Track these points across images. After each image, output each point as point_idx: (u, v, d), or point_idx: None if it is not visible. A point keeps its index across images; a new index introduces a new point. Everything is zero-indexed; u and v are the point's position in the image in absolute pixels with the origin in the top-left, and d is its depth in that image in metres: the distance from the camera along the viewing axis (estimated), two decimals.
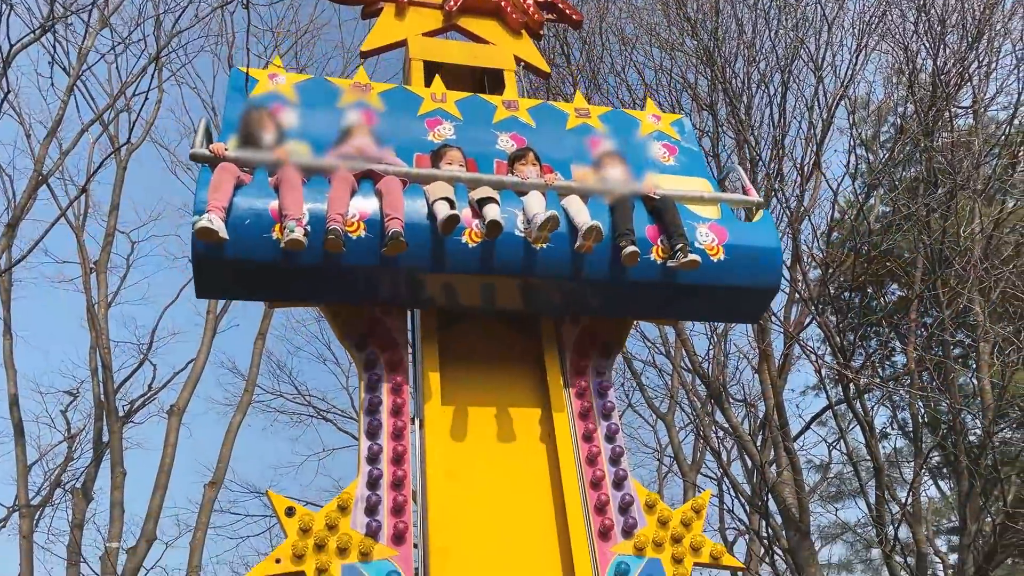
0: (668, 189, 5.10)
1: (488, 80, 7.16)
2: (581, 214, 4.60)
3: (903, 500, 12.46)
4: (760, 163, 13.35)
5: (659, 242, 4.73)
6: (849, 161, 14.11)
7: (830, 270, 13.03)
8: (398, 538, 4.33)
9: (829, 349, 12.88)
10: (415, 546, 4.46)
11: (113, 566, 13.67)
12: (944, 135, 12.45)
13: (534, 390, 5.06)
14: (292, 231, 4.18)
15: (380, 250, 4.37)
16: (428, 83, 6.87)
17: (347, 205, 4.41)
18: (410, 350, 5.07)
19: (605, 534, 4.55)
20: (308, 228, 4.27)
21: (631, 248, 4.51)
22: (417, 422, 4.81)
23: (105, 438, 15.20)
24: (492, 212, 4.48)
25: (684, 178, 5.59)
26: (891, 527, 11.72)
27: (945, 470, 17.50)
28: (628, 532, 4.58)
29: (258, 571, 4.35)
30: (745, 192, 5.32)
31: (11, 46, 12.19)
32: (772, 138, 13.44)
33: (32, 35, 13.09)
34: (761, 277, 4.86)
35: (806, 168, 13.41)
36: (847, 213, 14.21)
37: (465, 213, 4.54)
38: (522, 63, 7.43)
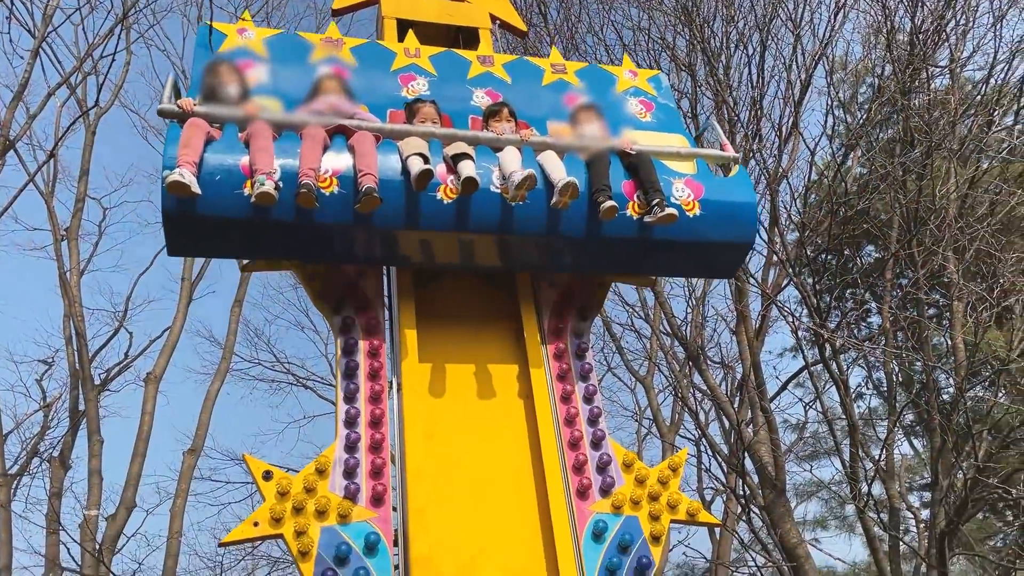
0: (644, 145, 5.08)
1: (463, 39, 7.03)
2: (557, 170, 4.57)
3: (877, 457, 12.67)
4: (739, 124, 13.31)
5: (635, 197, 4.72)
6: (827, 122, 14.11)
7: (807, 232, 13.07)
8: (377, 500, 4.32)
9: (806, 311, 12.97)
10: (394, 508, 4.43)
11: (93, 534, 13.64)
12: (921, 95, 12.45)
13: (512, 347, 5.07)
14: (262, 184, 4.12)
15: (354, 207, 4.32)
16: (402, 41, 6.77)
17: (319, 160, 4.34)
18: (386, 310, 5.05)
19: (583, 493, 4.57)
20: (279, 183, 4.20)
21: (609, 203, 4.49)
22: (395, 384, 4.78)
23: (81, 407, 15.09)
24: (467, 168, 4.43)
25: (661, 134, 5.55)
26: (865, 484, 11.92)
27: (918, 428, 17.81)
28: (606, 491, 4.61)
29: (236, 534, 4.36)
30: (721, 148, 5.30)
31: None
32: (750, 99, 13.39)
33: None
34: (737, 232, 4.88)
35: (784, 129, 13.40)
36: (824, 174, 14.24)
37: (440, 169, 4.50)
38: (498, 21, 7.29)
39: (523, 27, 7.78)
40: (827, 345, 12.03)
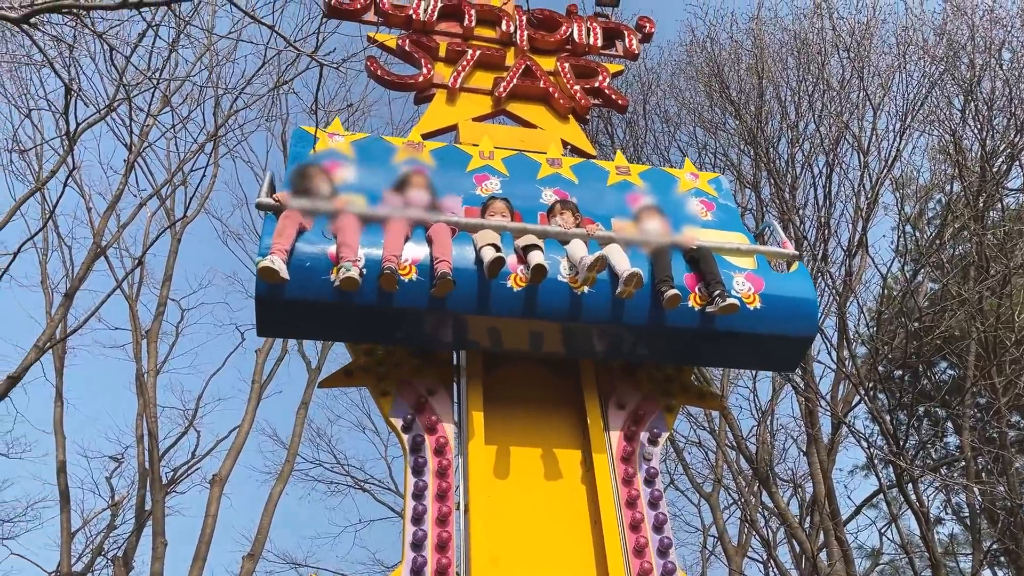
0: (706, 241, 5.29)
1: None
2: (622, 261, 4.82)
3: None
4: (806, 243, 13.31)
5: (697, 289, 4.91)
6: (896, 241, 14.00)
7: (879, 349, 12.80)
8: None
9: (879, 431, 12.55)
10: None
11: None
12: (994, 215, 12.32)
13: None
14: (348, 270, 4.46)
15: (429, 291, 4.62)
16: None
17: (401, 247, 4.70)
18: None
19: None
20: (363, 270, 4.55)
21: (672, 291, 4.69)
22: (462, 507, 4.83)
23: (148, 507, 15.28)
24: (537, 257, 4.69)
25: (721, 232, 5.77)
26: None
27: (1003, 559, 16.75)
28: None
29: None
30: (780, 246, 5.50)
31: (77, 125, 12.75)
32: (818, 219, 13.41)
33: (97, 115, 13.70)
34: (798, 325, 5.04)
35: (852, 247, 13.33)
36: (894, 291, 14.04)
37: (511, 259, 4.80)
38: (568, 146, 7.60)
39: (592, 151, 8.05)
40: (904, 474, 11.56)
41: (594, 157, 8.56)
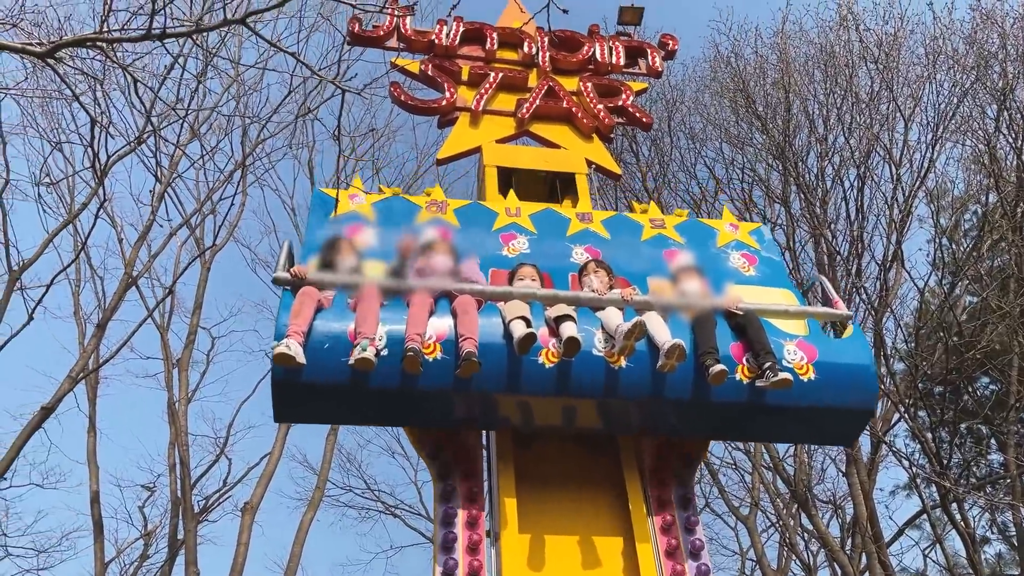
0: (751, 304, 4.92)
1: (560, 183, 7.26)
2: (662, 332, 4.49)
3: None
4: (838, 257, 13.07)
5: (745, 360, 4.56)
6: (932, 253, 13.72)
7: (918, 365, 12.48)
8: None
9: (920, 450, 12.22)
10: None
11: None
12: None
13: (615, 517, 4.86)
14: (364, 350, 4.20)
15: (454, 371, 4.34)
16: (502, 187, 7.00)
17: (426, 325, 4.42)
18: (486, 471, 5.00)
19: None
20: (381, 349, 4.31)
21: (718, 367, 4.34)
22: (492, 535, 4.70)
23: (180, 536, 15.28)
24: (569, 329, 4.40)
25: (766, 289, 5.43)
26: None
27: None
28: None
29: None
30: (831, 304, 5.14)
31: (108, 157, 12.93)
32: (849, 232, 13.18)
33: (128, 147, 13.88)
34: (855, 397, 4.63)
35: (886, 261, 13.07)
36: (931, 305, 13.72)
37: (542, 332, 4.48)
38: (593, 165, 7.52)
39: (617, 170, 7.98)
40: (949, 494, 11.22)
41: (618, 177, 8.50)
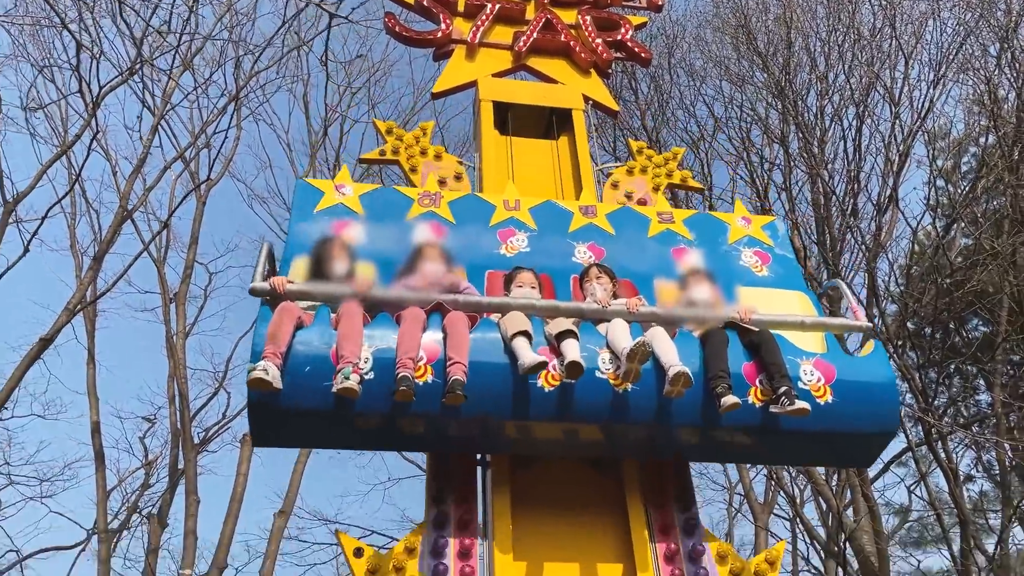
0: (765, 315, 4.60)
1: (556, 118, 7.21)
2: (668, 353, 4.16)
3: (991, 552, 11.86)
4: (834, 198, 13.07)
5: (758, 382, 4.25)
6: (928, 194, 13.73)
7: (909, 307, 12.60)
8: None
9: (908, 388, 12.42)
10: None
11: None
12: None
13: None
14: (347, 378, 3.88)
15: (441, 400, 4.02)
16: (498, 123, 6.96)
17: (418, 348, 4.07)
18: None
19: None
20: (367, 373, 4.00)
21: (731, 400, 4.05)
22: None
23: (180, 466, 15.58)
24: (571, 351, 4.08)
25: (779, 292, 5.18)
26: None
27: None
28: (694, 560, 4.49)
29: None
30: (851, 314, 4.86)
31: (100, 88, 12.77)
32: (846, 172, 13.16)
33: (120, 77, 13.72)
34: (875, 421, 4.36)
35: (882, 202, 13.08)
36: (927, 247, 13.78)
37: (541, 350, 4.17)
38: (590, 102, 7.46)
39: (615, 107, 7.91)
40: (933, 430, 11.45)
41: (616, 114, 8.42)
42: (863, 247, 12.83)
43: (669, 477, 4.81)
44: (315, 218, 5.22)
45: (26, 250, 12.98)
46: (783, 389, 4.10)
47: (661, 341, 4.23)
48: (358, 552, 4.42)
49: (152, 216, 17.42)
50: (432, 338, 4.16)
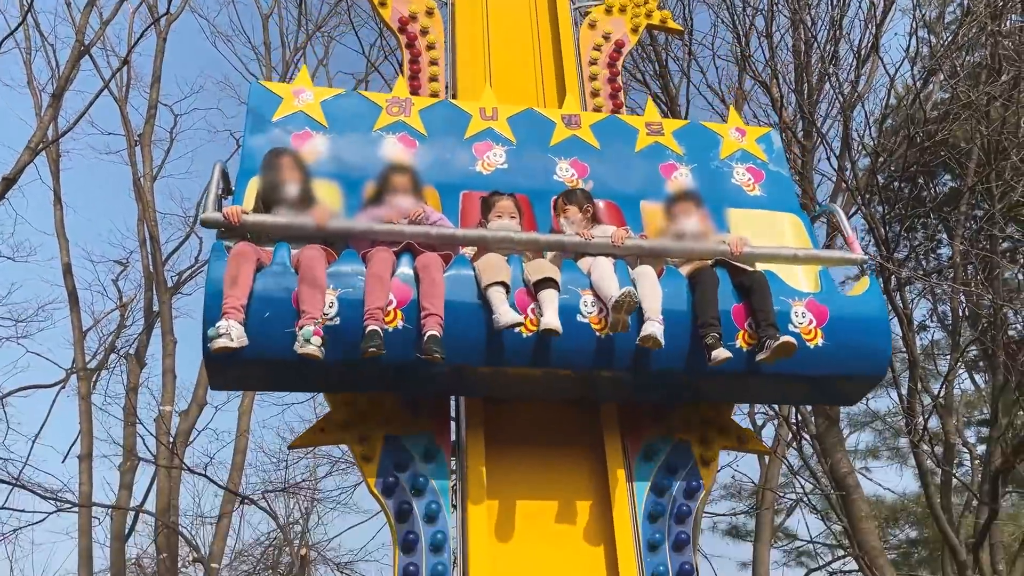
0: (757, 249, 4.43)
1: None
2: (652, 300, 3.99)
3: (936, 392, 12.54)
4: (815, 44, 12.81)
5: (746, 326, 4.13)
6: (909, 44, 13.50)
7: (880, 159, 12.66)
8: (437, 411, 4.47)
9: (872, 240, 12.68)
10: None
11: (167, 428, 14.44)
12: (1013, 19, 11.78)
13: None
14: (307, 340, 3.62)
15: (414, 351, 3.82)
16: None
17: (387, 295, 3.83)
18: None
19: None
20: (332, 318, 3.77)
21: (723, 354, 3.93)
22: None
23: (155, 308, 15.75)
24: (549, 309, 3.88)
25: (772, 214, 5.02)
26: (921, 419, 11.84)
27: (981, 363, 17.49)
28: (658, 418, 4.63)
29: (304, 440, 4.60)
30: (847, 245, 4.70)
31: None
32: (829, 18, 12.84)
33: None
34: (865, 365, 4.29)
35: (863, 50, 12.85)
36: (903, 99, 13.69)
37: (519, 294, 3.98)
38: None
39: None
40: (892, 277, 11.80)
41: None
42: (840, 97, 12.72)
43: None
44: (272, 128, 4.81)
45: None
46: (767, 336, 4.00)
47: (646, 284, 4.06)
48: None
49: (111, 53, 16.76)
50: (403, 278, 3.91)
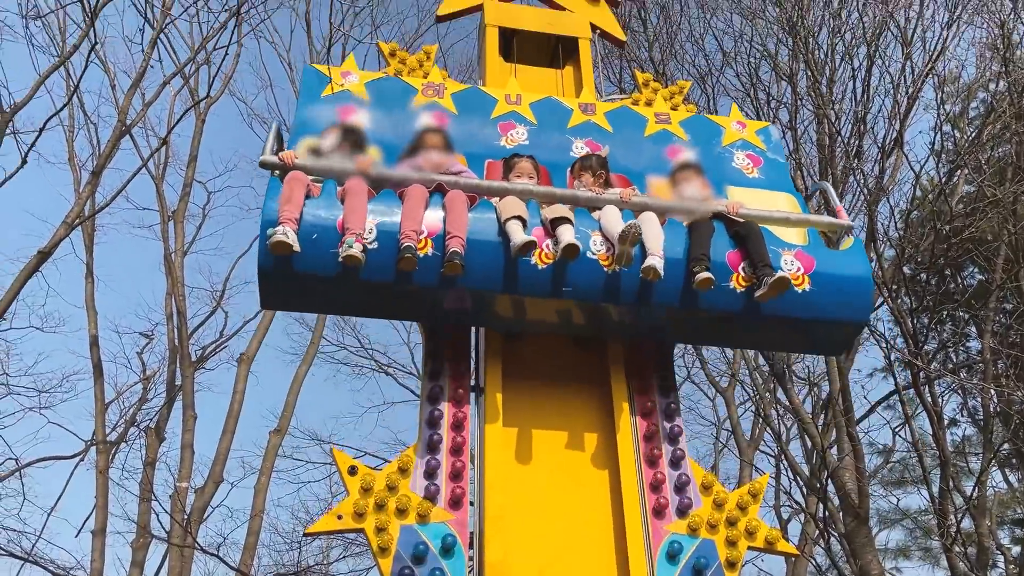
0: (752, 209, 4.81)
1: (563, 47, 7.10)
2: (654, 239, 4.36)
3: (968, 493, 12.16)
4: (839, 138, 12.96)
5: (740, 269, 4.48)
6: (933, 140, 13.62)
7: (906, 251, 12.62)
8: (455, 503, 4.42)
9: (899, 332, 12.54)
10: (471, 504, 4.56)
11: (182, 504, 14.28)
12: None
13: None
14: (351, 246, 4.11)
15: (439, 270, 4.26)
16: (503, 49, 6.85)
17: (421, 220, 4.31)
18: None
19: (660, 512, 4.56)
20: (371, 243, 4.23)
21: (704, 274, 4.27)
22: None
23: (178, 382, 15.79)
24: (567, 234, 4.27)
25: (768, 193, 5.35)
26: (953, 519, 11.46)
27: (1014, 461, 17.00)
28: (683, 512, 4.58)
29: (320, 526, 4.51)
30: (835, 214, 5.01)
31: None
32: (853, 113, 13.02)
33: None
34: (850, 311, 4.57)
35: (887, 145, 12.97)
36: (929, 192, 13.73)
37: (536, 231, 4.39)
38: (598, 31, 7.33)
39: (622, 37, 7.79)
40: (920, 373, 11.61)
41: (623, 44, 8.27)
42: (865, 190, 12.78)
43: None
44: (322, 102, 5.41)
45: (24, 162, 12.84)
46: (765, 275, 4.31)
47: (650, 226, 4.42)
48: (352, 470, 4.50)
49: (151, 132, 17.28)
50: (433, 215, 4.35)
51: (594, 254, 4.39)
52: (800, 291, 4.45)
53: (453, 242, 4.23)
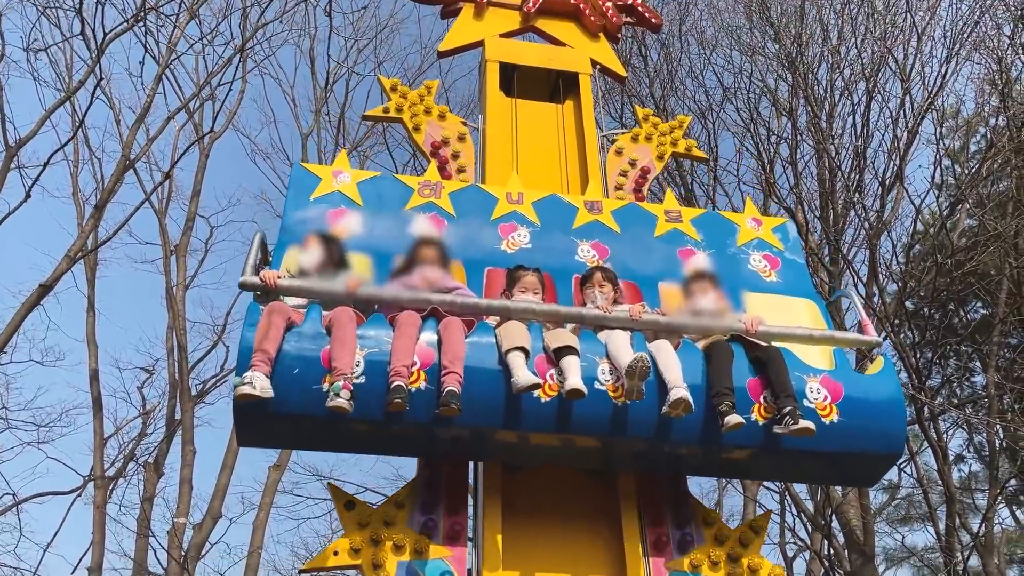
0: (772, 328, 4.44)
1: (563, 83, 7.16)
2: (671, 369, 4.05)
3: (975, 530, 12.00)
4: (840, 173, 13.01)
5: (762, 399, 4.13)
6: (934, 174, 13.66)
7: (908, 285, 12.60)
8: (453, 538, 4.36)
9: (903, 367, 12.46)
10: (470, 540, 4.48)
11: (179, 540, 14.11)
12: None
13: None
14: (337, 394, 3.76)
15: (435, 409, 3.93)
16: (504, 84, 6.91)
17: (412, 355, 3.97)
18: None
19: (660, 548, 4.49)
20: (359, 377, 3.89)
21: (735, 419, 3.93)
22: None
23: (178, 416, 15.70)
24: (572, 372, 3.96)
25: (787, 299, 5.08)
26: (960, 556, 11.29)
27: (1022, 497, 16.79)
28: (684, 548, 4.52)
29: (316, 562, 4.47)
30: (861, 328, 4.71)
31: (105, 34, 12.63)
32: (853, 148, 13.08)
33: (124, 24, 13.57)
34: (881, 442, 4.23)
35: (888, 180, 13.01)
36: (930, 226, 13.74)
37: (539, 360, 4.07)
38: (598, 66, 7.39)
39: (623, 73, 7.86)
40: (925, 408, 11.52)
41: (624, 80, 8.31)
42: (866, 224, 12.79)
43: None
44: (311, 205, 5.13)
45: (28, 196, 12.92)
46: (788, 409, 3.97)
47: (664, 355, 4.11)
48: (349, 505, 4.46)
49: (155, 167, 17.41)
50: (427, 342, 4.05)
51: (602, 384, 4.04)
52: (828, 423, 4.10)
53: (449, 379, 3.89)
